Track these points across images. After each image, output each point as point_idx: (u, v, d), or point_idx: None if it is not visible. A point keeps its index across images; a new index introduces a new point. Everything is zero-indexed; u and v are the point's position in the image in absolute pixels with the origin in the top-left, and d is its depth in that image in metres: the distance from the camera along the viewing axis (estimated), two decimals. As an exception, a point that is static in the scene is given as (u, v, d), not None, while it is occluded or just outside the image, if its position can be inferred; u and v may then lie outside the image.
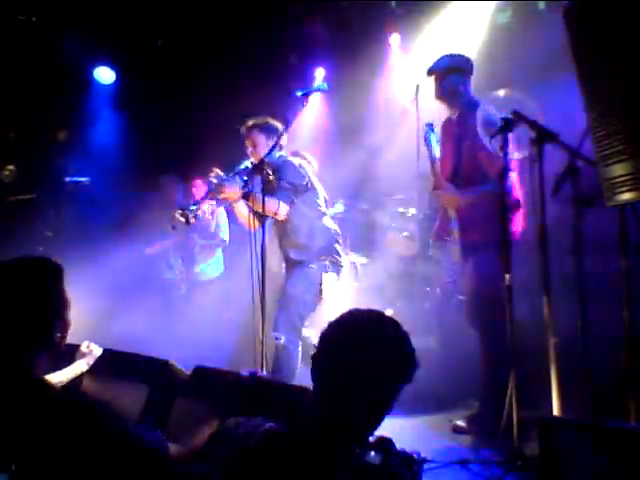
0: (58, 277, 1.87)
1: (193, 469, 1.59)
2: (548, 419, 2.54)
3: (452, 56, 3.97)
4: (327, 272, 4.03)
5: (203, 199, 3.96)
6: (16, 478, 1.55)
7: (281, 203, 3.95)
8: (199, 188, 6.24)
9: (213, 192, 3.88)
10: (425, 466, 2.96)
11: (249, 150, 4.10)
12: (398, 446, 1.66)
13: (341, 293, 4.28)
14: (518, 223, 3.66)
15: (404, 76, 6.35)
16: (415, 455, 1.78)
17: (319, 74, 6.95)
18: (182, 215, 3.80)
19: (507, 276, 3.09)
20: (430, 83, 4.02)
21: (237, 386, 2.45)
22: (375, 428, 1.54)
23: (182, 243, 6.35)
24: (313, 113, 6.85)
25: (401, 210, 5.67)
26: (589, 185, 2.85)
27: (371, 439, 1.56)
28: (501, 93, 5.15)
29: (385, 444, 1.56)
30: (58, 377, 2.53)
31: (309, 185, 4.10)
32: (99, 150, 6.68)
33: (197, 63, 6.80)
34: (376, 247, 5.87)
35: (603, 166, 2.43)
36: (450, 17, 5.92)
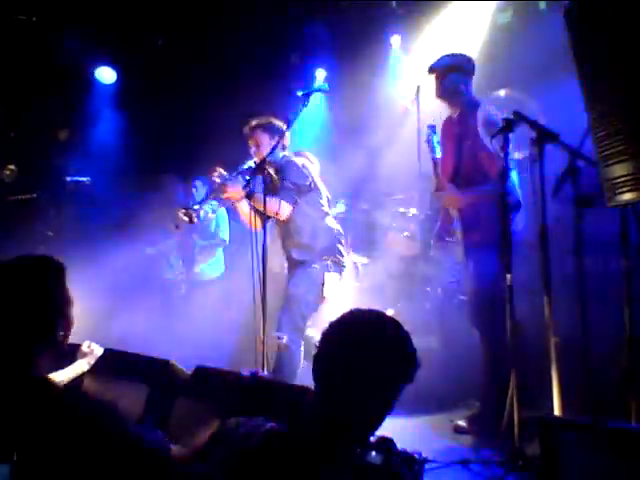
0: (60, 275, 1.87)
1: (194, 469, 1.59)
2: (549, 419, 2.53)
3: (453, 55, 3.97)
4: (329, 272, 4.03)
5: (206, 198, 3.96)
6: (18, 476, 1.55)
7: (284, 203, 3.95)
8: (199, 188, 6.25)
9: (216, 192, 3.88)
10: (426, 466, 2.96)
11: (252, 150, 4.09)
12: (399, 446, 1.66)
13: (342, 293, 4.27)
14: (519, 223, 3.66)
15: (405, 76, 6.35)
16: (416, 455, 1.78)
17: (320, 74, 6.95)
18: (185, 214, 3.81)
19: (508, 276, 3.09)
20: (431, 82, 4.02)
21: (238, 386, 2.46)
22: (376, 428, 1.54)
23: (182, 243, 6.35)
24: (314, 113, 6.86)
25: (402, 210, 5.67)
26: (590, 185, 2.85)
27: (372, 439, 1.56)
28: (502, 93, 5.13)
29: (386, 444, 1.56)
30: (59, 376, 2.54)
31: (312, 185, 4.10)
32: (100, 150, 6.68)
33: (197, 63, 6.80)
34: (377, 247, 5.86)
35: (604, 166, 2.42)
36: (451, 17, 5.92)
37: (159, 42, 6.85)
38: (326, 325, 1.59)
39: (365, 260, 5.56)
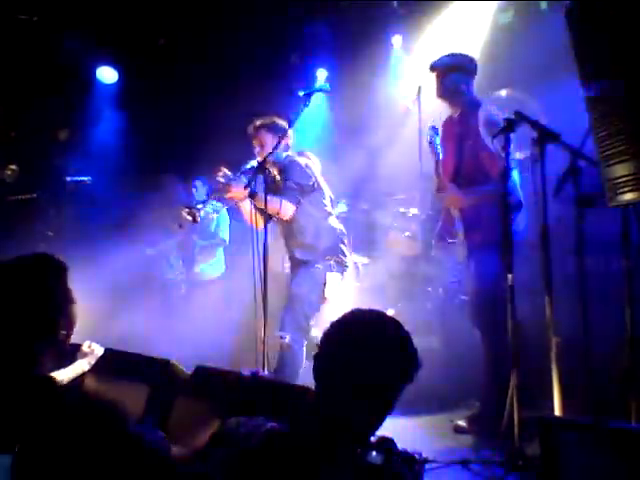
0: (61, 274, 1.87)
1: (194, 469, 1.59)
2: (549, 419, 2.53)
3: (455, 55, 3.97)
4: (332, 272, 4.03)
5: (209, 198, 3.97)
6: (19, 474, 1.55)
7: (287, 203, 3.96)
8: (199, 188, 6.25)
9: (220, 191, 3.88)
10: (426, 466, 2.96)
11: (256, 150, 4.10)
12: (399, 446, 1.65)
13: (344, 293, 4.27)
14: (520, 223, 3.66)
15: (406, 76, 6.35)
16: (416, 455, 1.77)
17: (321, 74, 6.95)
18: (189, 213, 3.83)
19: (509, 276, 3.09)
20: (432, 82, 4.02)
21: (238, 386, 2.45)
22: (377, 428, 1.54)
23: (182, 243, 6.36)
24: (315, 113, 6.85)
25: (403, 210, 5.67)
26: (591, 185, 2.85)
27: (373, 439, 1.55)
28: (503, 93, 5.14)
29: (387, 444, 1.55)
30: (60, 376, 2.53)
31: (315, 185, 4.10)
32: (100, 150, 6.68)
33: (198, 63, 6.80)
34: (377, 247, 5.86)
35: (605, 166, 2.42)
36: (452, 17, 5.92)
37: (160, 42, 6.84)
38: (327, 325, 1.59)
39: (366, 260, 5.56)
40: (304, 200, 4.05)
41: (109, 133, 6.97)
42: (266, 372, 3.36)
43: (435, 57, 4.00)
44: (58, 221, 5.91)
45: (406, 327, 1.58)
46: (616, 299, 2.85)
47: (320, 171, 4.42)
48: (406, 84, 6.12)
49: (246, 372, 2.48)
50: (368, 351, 1.50)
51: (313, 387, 1.58)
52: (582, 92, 2.50)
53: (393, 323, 1.58)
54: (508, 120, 3.16)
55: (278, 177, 4.16)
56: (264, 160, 3.80)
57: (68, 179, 5.95)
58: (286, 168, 4.07)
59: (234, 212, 5.35)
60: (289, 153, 4.16)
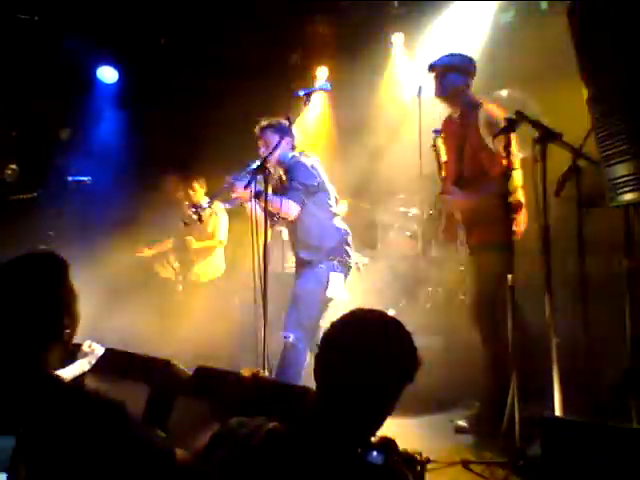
0: (64, 272, 1.86)
1: (195, 469, 1.59)
2: (550, 419, 2.53)
3: (454, 55, 3.97)
4: (336, 272, 4.04)
5: (215, 197, 3.97)
6: (28, 473, 1.56)
7: (292, 203, 3.98)
8: (197, 190, 6.25)
9: (226, 191, 3.89)
10: (427, 466, 2.96)
11: (262, 150, 4.10)
12: (400, 446, 1.65)
13: (347, 293, 4.27)
14: (521, 223, 3.66)
15: (406, 76, 6.35)
16: (417, 455, 1.78)
17: (321, 74, 6.95)
18: (195, 213, 3.84)
19: (509, 276, 3.09)
20: (431, 82, 4.02)
21: (238, 386, 2.45)
22: (377, 428, 1.54)
23: (179, 244, 6.36)
24: (315, 112, 6.86)
25: (403, 210, 5.67)
26: (592, 185, 2.85)
27: (373, 439, 1.55)
28: (504, 93, 5.15)
29: (387, 444, 1.55)
30: (61, 376, 2.53)
31: (320, 186, 4.11)
32: (101, 150, 6.68)
33: (199, 63, 6.80)
34: (378, 247, 5.87)
35: (606, 166, 2.42)
36: (452, 17, 5.91)
37: (162, 41, 6.84)
38: (328, 325, 1.59)
39: (366, 260, 5.56)
40: (309, 200, 4.06)
41: (110, 133, 6.97)
42: (266, 372, 3.36)
43: (435, 57, 4.00)
44: (58, 221, 5.90)
45: (406, 327, 1.58)
46: (616, 299, 2.85)
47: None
48: (406, 84, 6.12)
49: (246, 372, 2.48)
50: (369, 351, 1.50)
51: (314, 387, 1.58)
52: (582, 92, 2.51)
53: (394, 323, 1.58)
54: (509, 120, 3.16)
55: (284, 177, 4.17)
56: (264, 160, 3.80)
57: (69, 179, 5.95)
58: (291, 168, 4.08)
59: (236, 212, 5.34)
60: (295, 153, 4.17)
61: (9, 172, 5.83)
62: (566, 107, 3.56)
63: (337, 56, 6.70)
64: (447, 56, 3.94)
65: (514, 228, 3.36)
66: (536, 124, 3.04)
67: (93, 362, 2.73)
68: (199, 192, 6.25)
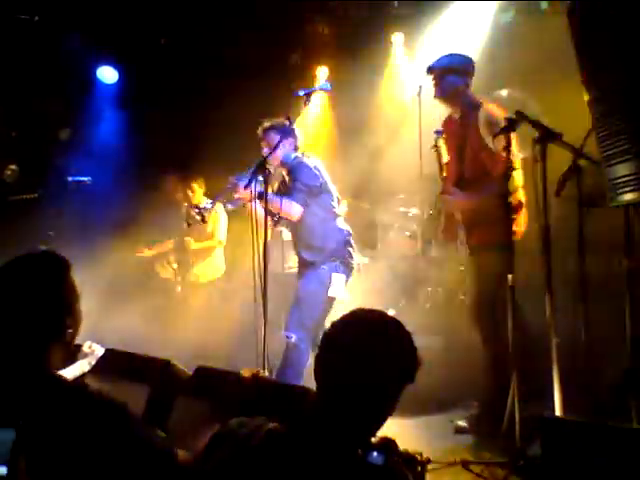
0: (65, 271, 1.86)
1: (195, 469, 1.59)
2: (550, 419, 2.53)
3: (452, 56, 3.96)
4: (337, 272, 4.04)
5: (218, 198, 3.97)
6: (29, 472, 1.56)
7: (295, 204, 3.99)
8: (196, 190, 6.25)
9: (229, 191, 3.90)
10: (427, 466, 2.96)
11: (265, 151, 4.10)
12: (400, 446, 1.65)
13: (348, 293, 4.27)
14: (521, 223, 3.66)
15: (407, 76, 6.35)
16: (417, 456, 1.77)
17: (321, 73, 6.95)
18: (198, 213, 3.87)
19: (509, 276, 3.09)
20: (431, 83, 4.02)
21: (238, 386, 2.45)
22: (378, 428, 1.54)
23: (179, 245, 6.36)
24: (315, 112, 6.86)
25: (403, 210, 5.67)
26: (592, 185, 2.85)
27: (374, 440, 1.55)
28: (504, 93, 5.15)
29: (388, 444, 1.55)
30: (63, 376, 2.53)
31: (323, 187, 4.11)
32: (101, 150, 6.68)
33: (199, 63, 6.80)
34: (378, 247, 5.87)
35: (606, 166, 2.42)
36: (452, 17, 5.91)
37: (162, 41, 6.84)
38: (328, 325, 1.59)
39: (366, 260, 5.56)
40: (312, 201, 4.07)
41: (110, 133, 6.97)
42: (266, 372, 3.36)
43: (434, 57, 3.99)
44: (58, 221, 5.90)
45: (406, 327, 1.58)
46: (616, 299, 2.85)
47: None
48: (407, 83, 6.12)
49: (246, 372, 2.48)
50: (369, 351, 1.49)
51: (314, 387, 1.58)
52: (582, 92, 2.51)
53: (394, 323, 1.58)
54: (509, 120, 3.15)
55: (287, 178, 4.18)
56: (264, 159, 3.80)
57: (69, 179, 5.95)
58: (294, 169, 4.09)
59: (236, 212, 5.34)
60: (297, 154, 4.17)
61: (9, 172, 5.84)
62: (566, 107, 3.56)
63: (337, 56, 6.70)
64: (445, 57, 3.94)
65: (514, 228, 3.36)
66: (536, 124, 3.04)
67: (93, 363, 2.72)
68: (198, 193, 6.25)
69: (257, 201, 3.81)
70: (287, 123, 4.06)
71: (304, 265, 4.20)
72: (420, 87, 5.22)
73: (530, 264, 3.55)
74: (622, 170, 2.34)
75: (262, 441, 1.49)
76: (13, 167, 5.90)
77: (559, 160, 3.09)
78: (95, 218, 6.38)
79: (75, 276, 1.88)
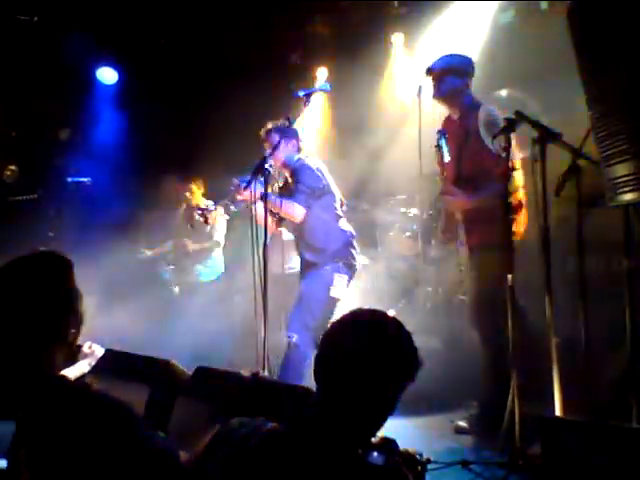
0: (68, 271, 1.86)
1: (196, 470, 1.59)
2: (550, 419, 2.54)
3: (451, 56, 3.96)
4: (340, 273, 4.05)
5: (221, 200, 3.98)
6: (31, 473, 1.56)
7: (297, 206, 4.01)
8: (195, 192, 6.25)
9: (232, 193, 3.90)
10: (427, 467, 2.96)
11: (267, 153, 4.10)
12: (400, 447, 1.65)
13: (348, 294, 4.28)
14: (521, 223, 3.66)
15: (406, 76, 6.35)
16: (417, 456, 1.78)
17: (321, 74, 6.95)
18: (201, 215, 3.87)
19: (509, 276, 3.09)
20: (430, 84, 4.02)
21: (238, 387, 2.45)
22: (378, 428, 1.54)
23: (177, 246, 6.36)
24: (315, 112, 6.86)
25: (403, 210, 5.67)
26: (592, 185, 2.85)
27: (374, 440, 1.55)
28: (503, 93, 5.15)
29: (388, 445, 1.55)
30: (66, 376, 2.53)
31: (326, 188, 4.12)
32: (101, 150, 6.68)
33: (199, 63, 6.80)
34: (378, 247, 5.87)
35: (605, 166, 2.42)
36: (452, 17, 5.91)
37: (162, 41, 6.84)
38: (328, 326, 1.59)
39: (366, 260, 5.56)
40: (315, 203, 4.08)
41: (109, 133, 6.97)
42: (266, 372, 3.36)
43: (434, 57, 3.99)
44: (58, 221, 5.91)
45: (406, 327, 1.58)
46: (616, 299, 2.85)
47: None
48: (406, 84, 6.12)
49: (246, 372, 2.48)
50: (369, 351, 1.50)
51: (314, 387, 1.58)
52: (582, 92, 2.51)
53: (394, 323, 1.58)
54: (508, 120, 3.15)
55: (290, 179, 4.18)
56: (264, 160, 3.80)
57: (69, 179, 5.95)
58: (297, 171, 4.10)
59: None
60: (300, 156, 4.18)
61: (9, 173, 5.84)
62: (565, 107, 3.56)
63: (337, 56, 6.70)
64: (444, 58, 3.94)
65: (514, 228, 3.36)
66: (536, 124, 3.04)
67: (93, 363, 2.72)
68: (196, 194, 6.25)
69: (260, 202, 3.82)
70: (288, 124, 4.07)
71: (307, 266, 4.20)
72: (420, 87, 5.20)
73: (530, 264, 3.55)
74: (621, 170, 2.34)
75: (262, 441, 1.49)
76: (13, 168, 5.90)
77: (559, 160, 3.08)
78: (95, 218, 6.38)
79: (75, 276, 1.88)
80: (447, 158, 3.90)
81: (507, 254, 3.14)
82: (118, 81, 7.00)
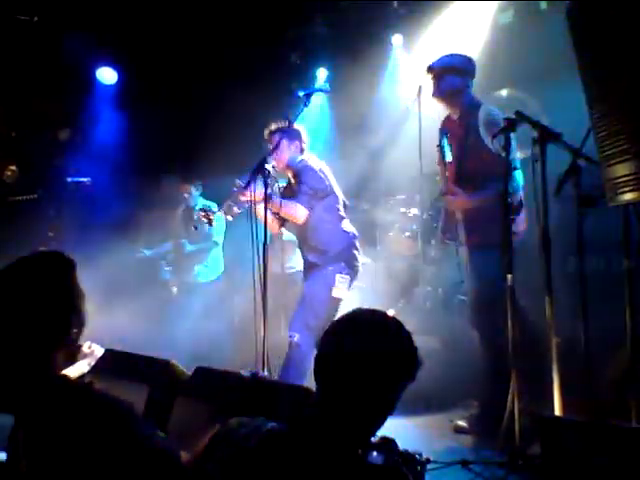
0: (71, 271, 1.86)
1: (195, 470, 1.59)
2: (550, 419, 2.54)
3: (452, 56, 3.96)
4: (343, 274, 4.05)
5: (225, 201, 3.99)
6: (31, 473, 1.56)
7: (300, 207, 4.01)
8: (192, 193, 6.24)
9: (236, 195, 3.91)
10: (427, 466, 2.96)
11: (269, 153, 4.10)
12: (400, 446, 1.65)
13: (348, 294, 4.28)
14: (520, 224, 3.66)
15: (406, 76, 6.35)
16: (417, 455, 1.78)
17: (321, 74, 6.95)
18: (205, 217, 3.90)
19: (509, 276, 3.09)
20: (430, 83, 4.02)
21: (238, 386, 2.45)
22: (378, 428, 1.54)
23: (176, 246, 6.36)
24: (315, 113, 6.86)
25: (403, 210, 5.67)
26: (591, 185, 2.84)
27: (374, 439, 1.55)
28: (503, 93, 5.14)
29: (388, 444, 1.55)
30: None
31: (329, 190, 4.12)
32: (100, 150, 6.68)
33: (198, 63, 6.80)
34: (378, 247, 5.87)
35: (605, 166, 2.42)
36: (452, 17, 5.92)
37: (161, 41, 6.83)
38: (328, 325, 1.59)
39: (366, 260, 5.55)
40: (317, 204, 4.08)
41: (109, 133, 6.97)
42: (266, 372, 3.36)
43: (434, 57, 3.99)
44: (58, 221, 5.91)
45: (406, 327, 1.58)
46: (616, 299, 2.85)
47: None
48: (406, 84, 6.12)
49: (246, 372, 2.48)
50: (369, 350, 1.49)
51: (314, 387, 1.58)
52: (582, 92, 2.50)
53: (394, 322, 1.58)
54: (509, 120, 3.15)
55: (293, 181, 4.19)
56: (264, 160, 3.81)
57: (69, 179, 5.95)
58: (300, 172, 4.10)
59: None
60: (303, 157, 4.18)
61: (9, 173, 5.84)
62: (565, 107, 3.55)
63: (337, 56, 6.71)
64: (445, 57, 3.94)
65: (514, 229, 3.36)
66: (536, 124, 3.04)
67: (93, 363, 2.72)
68: (194, 195, 6.25)
69: (262, 203, 3.82)
70: (293, 126, 4.08)
71: (309, 267, 4.21)
72: (420, 87, 5.22)
73: (530, 264, 3.55)
74: (621, 170, 2.34)
75: (262, 441, 1.49)
76: (13, 168, 5.90)
77: (559, 160, 3.08)
78: (94, 218, 6.39)
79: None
80: (449, 158, 3.90)
81: (506, 254, 3.14)
82: (118, 81, 7.00)
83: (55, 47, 6.29)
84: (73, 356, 2.65)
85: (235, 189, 3.91)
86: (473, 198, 3.75)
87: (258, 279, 3.59)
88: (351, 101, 6.17)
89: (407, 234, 5.55)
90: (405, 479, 1.48)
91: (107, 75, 6.95)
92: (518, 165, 3.55)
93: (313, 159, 4.22)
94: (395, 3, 6.36)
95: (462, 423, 3.75)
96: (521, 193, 3.63)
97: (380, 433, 1.56)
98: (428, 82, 4.08)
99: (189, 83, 6.88)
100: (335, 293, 4.02)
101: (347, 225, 4.24)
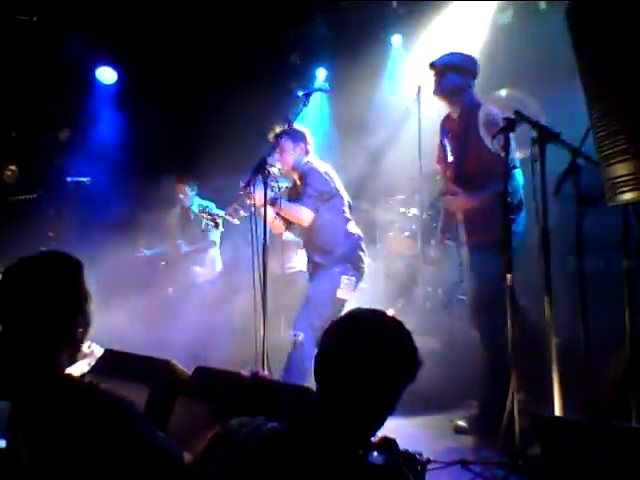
0: (78, 272, 1.87)
1: (196, 470, 1.59)
2: (550, 419, 2.53)
3: (454, 54, 3.95)
4: (348, 275, 4.06)
5: (232, 205, 4.00)
6: (31, 471, 1.56)
7: (306, 210, 4.02)
8: (188, 194, 6.24)
9: (241, 197, 3.91)
10: (427, 466, 2.96)
11: (276, 156, 4.11)
12: (400, 446, 1.65)
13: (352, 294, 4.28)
14: (520, 223, 3.66)
15: (406, 76, 6.35)
16: (417, 455, 1.78)
17: (320, 74, 6.95)
18: (211, 219, 3.95)
19: (509, 276, 3.09)
20: (431, 80, 4.01)
21: (238, 386, 2.45)
22: (378, 428, 1.54)
23: (173, 247, 6.36)
24: (314, 113, 6.86)
25: (402, 210, 5.67)
26: (591, 185, 2.85)
27: (374, 439, 1.55)
28: (503, 93, 5.15)
29: (388, 444, 1.55)
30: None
31: (334, 192, 4.13)
32: (100, 150, 6.69)
33: (198, 63, 6.80)
34: (377, 247, 5.86)
35: (605, 166, 2.42)
36: (452, 17, 5.92)
37: (161, 41, 6.84)
38: (328, 325, 1.59)
39: (367, 260, 5.55)
40: (322, 206, 4.09)
41: (109, 133, 6.97)
42: (266, 372, 3.36)
43: (434, 57, 3.99)
44: (58, 221, 5.91)
45: (406, 327, 1.58)
46: (616, 299, 2.85)
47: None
48: (406, 84, 6.12)
49: (246, 372, 2.48)
50: (369, 350, 1.49)
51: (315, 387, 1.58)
52: (581, 92, 2.51)
53: (394, 322, 1.58)
54: (508, 120, 3.15)
55: (298, 183, 4.19)
56: (263, 160, 3.81)
57: (68, 179, 5.95)
58: (305, 174, 4.11)
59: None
60: (308, 159, 4.18)
61: (9, 173, 5.84)
62: (565, 107, 3.56)
63: (337, 56, 6.71)
64: (448, 55, 3.94)
65: (514, 228, 3.36)
66: (535, 124, 3.04)
67: (92, 363, 2.72)
68: (189, 195, 6.25)
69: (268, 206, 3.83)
70: (297, 128, 4.09)
71: (315, 268, 4.22)
72: (419, 87, 5.22)
73: (530, 264, 3.55)
74: (621, 170, 2.34)
75: (262, 441, 1.49)
76: (13, 168, 5.90)
77: (558, 160, 3.09)
78: (94, 218, 6.39)
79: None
80: (450, 157, 3.90)
81: (506, 253, 3.14)
82: (118, 81, 7.00)
83: (55, 47, 6.30)
84: (73, 356, 2.65)
85: (241, 193, 3.92)
86: (473, 198, 3.75)
87: (258, 279, 3.60)
88: (351, 101, 6.17)
89: (406, 234, 5.55)
90: (406, 479, 1.48)
91: (107, 75, 6.96)
92: (517, 164, 3.55)
93: (318, 161, 4.23)
94: (394, 3, 6.37)
95: (462, 423, 3.74)
96: (521, 192, 3.63)
97: (380, 433, 1.56)
98: (429, 80, 4.07)
99: (189, 83, 6.88)
100: (340, 294, 4.04)
101: (353, 227, 4.25)
